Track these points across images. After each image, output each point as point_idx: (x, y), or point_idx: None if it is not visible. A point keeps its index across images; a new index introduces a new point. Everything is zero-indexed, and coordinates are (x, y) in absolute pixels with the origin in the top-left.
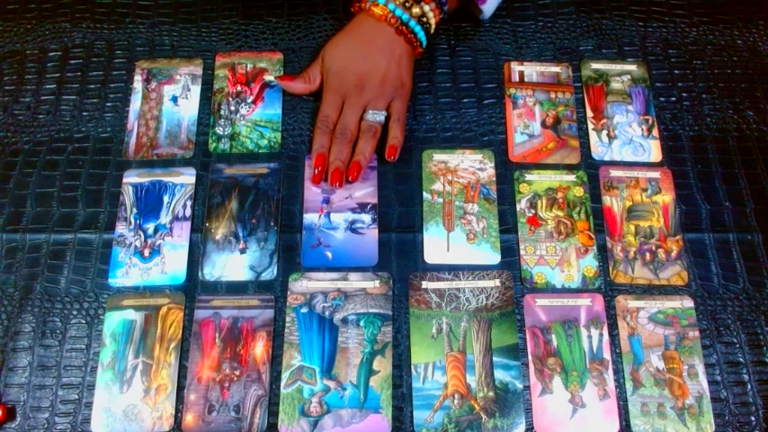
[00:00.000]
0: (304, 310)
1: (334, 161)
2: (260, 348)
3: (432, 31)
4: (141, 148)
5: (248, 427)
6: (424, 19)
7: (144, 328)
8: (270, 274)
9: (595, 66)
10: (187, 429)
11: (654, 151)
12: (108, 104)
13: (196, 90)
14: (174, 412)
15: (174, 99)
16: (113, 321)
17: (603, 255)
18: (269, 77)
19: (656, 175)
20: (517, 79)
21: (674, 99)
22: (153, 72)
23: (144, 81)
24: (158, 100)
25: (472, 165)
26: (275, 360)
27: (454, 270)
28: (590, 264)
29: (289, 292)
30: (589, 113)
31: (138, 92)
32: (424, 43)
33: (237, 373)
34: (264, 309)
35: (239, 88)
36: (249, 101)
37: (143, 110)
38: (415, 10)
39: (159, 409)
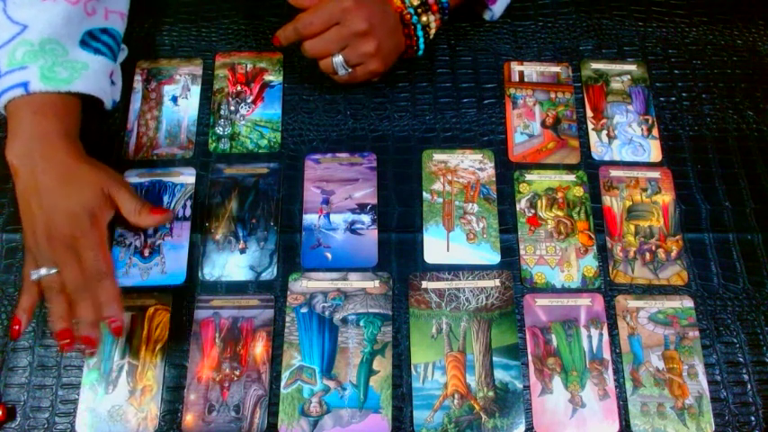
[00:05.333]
0: (304, 310)
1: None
2: (260, 348)
3: (429, 40)
4: (141, 147)
5: (248, 427)
6: (427, 28)
7: (130, 329)
8: (270, 274)
9: (595, 66)
10: (187, 429)
11: (654, 151)
12: None
13: (196, 90)
14: (159, 413)
15: (174, 99)
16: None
17: (603, 255)
18: (269, 77)
19: (655, 175)
20: (517, 79)
21: (673, 99)
22: (153, 72)
23: (144, 81)
24: (158, 100)
25: (472, 165)
26: (275, 360)
27: (454, 270)
28: (590, 264)
29: (289, 292)
30: (589, 113)
31: (137, 92)
32: (421, 50)
33: (237, 372)
34: (264, 309)
35: (239, 88)
36: (249, 101)
37: (143, 110)
38: (423, 18)
39: (144, 410)
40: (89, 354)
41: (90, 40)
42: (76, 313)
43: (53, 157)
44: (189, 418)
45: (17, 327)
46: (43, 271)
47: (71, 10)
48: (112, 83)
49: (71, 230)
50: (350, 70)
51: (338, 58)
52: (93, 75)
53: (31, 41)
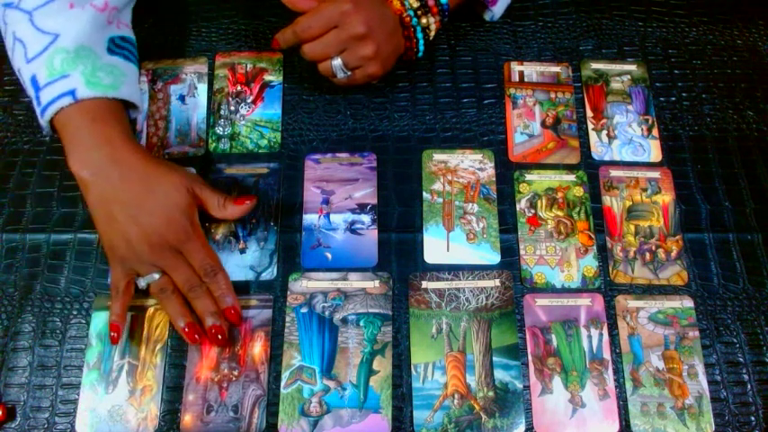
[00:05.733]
0: (304, 310)
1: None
2: (258, 348)
3: (429, 41)
4: (152, 148)
5: (246, 427)
6: (427, 30)
7: (130, 329)
8: (270, 274)
9: (595, 66)
10: (186, 429)
11: (654, 151)
12: None
13: (203, 88)
14: (159, 413)
15: (182, 98)
16: (100, 321)
17: (603, 255)
18: (269, 77)
19: (655, 175)
20: (517, 79)
21: (673, 99)
22: (158, 72)
23: (149, 82)
24: (165, 100)
25: (472, 165)
26: (275, 360)
27: (454, 270)
28: (590, 264)
29: (289, 292)
30: (589, 113)
31: (144, 93)
32: (421, 52)
33: (236, 373)
34: (263, 309)
35: (239, 88)
36: (249, 101)
37: (151, 110)
38: (423, 20)
39: (144, 410)
40: (222, 343)
41: (114, 47)
42: (196, 309)
43: (126, 163)
44: (187, 419)
45: (115, 333)
46: (156, 275)
47: (98, 17)
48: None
49: (175, 235)
50: (349, 73)
51: (337, 62)
52: (130, 82)
53: (67, 49)
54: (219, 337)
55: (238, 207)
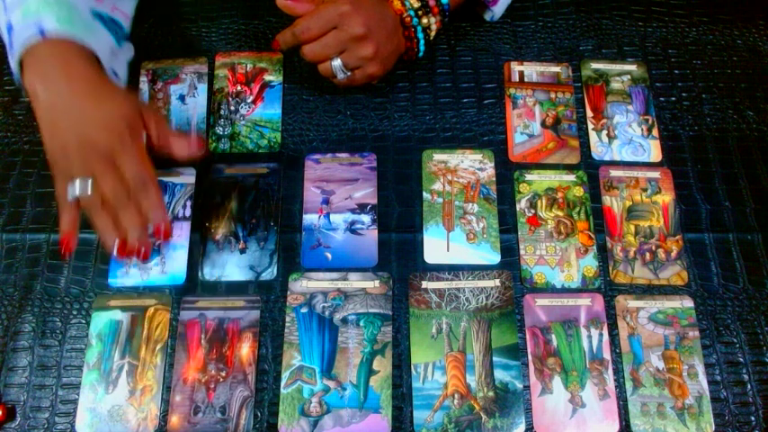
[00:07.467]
0: (304, 310)
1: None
2: (246, 349)
3: (430, 42)
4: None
5: (234, 428)
6: (428, 30)
7: (130, 329)
8: (270, 273)
9: (595, 66)
10: (172, 430)
11: (654, 151)
12: None
13: (203, 88)
14: (159, 413)
15: (182, 98)
16: (100, 321)
17: (603, 255)
18: (269, 77)
19: (655, 175)
20: (517, 79)
21: (673, 99)
22: (158, 72)
23: (149, 82)
24: (165, 100)
25: (472, 165)
26: (275, 360)
27: (454, 270)
28: (590, 264)
29: (289, 292)
30: (589, 113)
31: (144, 92)
32: (422, 52)
33: (223, 374)
34: (250, 310)
35: (239, 88)
36: (249, 101)
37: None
38: (424, 20)
39: (144, 410)
40: (144, 258)
41: (99, 19)
42: (122, 222)
43: (80, 76)
44: (174, 420)
45: (65, 244)
46: (78, 182)
47: None
48: (115, 74)
49: (108, 141)
50: (349, 74)
51: (337, 62)
52: (103, 44)
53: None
54: (143, 250)
55: (183, 142)
